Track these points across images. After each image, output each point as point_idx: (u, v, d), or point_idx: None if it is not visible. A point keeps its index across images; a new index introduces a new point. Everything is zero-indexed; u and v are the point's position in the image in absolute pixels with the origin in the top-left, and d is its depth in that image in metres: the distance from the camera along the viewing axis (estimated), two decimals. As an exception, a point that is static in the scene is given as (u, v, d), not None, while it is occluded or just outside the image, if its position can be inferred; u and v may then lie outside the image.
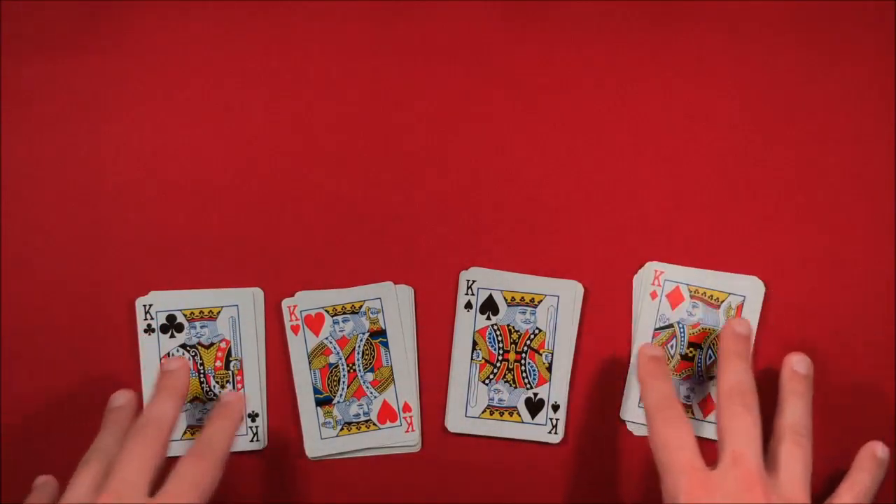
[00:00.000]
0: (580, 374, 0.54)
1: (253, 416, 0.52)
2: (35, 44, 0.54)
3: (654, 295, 0.53)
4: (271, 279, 0.53)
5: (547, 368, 0.53)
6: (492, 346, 0.53)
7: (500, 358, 0.53)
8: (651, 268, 0.54)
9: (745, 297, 0.53)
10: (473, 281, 0.53)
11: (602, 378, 0.54)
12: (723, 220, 0.54)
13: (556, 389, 0.53)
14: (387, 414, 0.53)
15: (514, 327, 0.53)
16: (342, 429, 0.52)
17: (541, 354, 0.53)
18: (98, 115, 0.54)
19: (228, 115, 0.54)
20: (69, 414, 0.53)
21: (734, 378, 0.47)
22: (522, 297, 0.53)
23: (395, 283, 0.53)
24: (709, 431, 0.53)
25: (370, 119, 0.54)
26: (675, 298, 0.53)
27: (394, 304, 0.53)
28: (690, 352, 0.53)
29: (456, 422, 0.53)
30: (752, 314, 0.53)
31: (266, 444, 0.53)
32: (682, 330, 0.53)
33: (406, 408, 0.53)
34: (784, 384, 0.49)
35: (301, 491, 0.53)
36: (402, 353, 0.53)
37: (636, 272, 0.54)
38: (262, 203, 0.54)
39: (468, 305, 0.53)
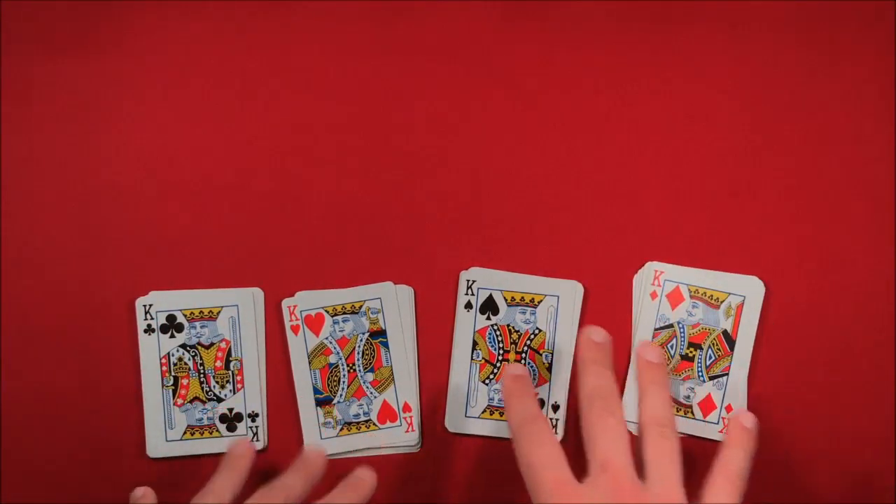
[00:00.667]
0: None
1: (253, 416, 0.52)
2: (35, 44, 0.54)
3: (654, 295, 0.53)
4: (271, 279, 0.53)
5: (547, 368, 0.53)
6: (492, 346, 0.53)
7: (500, 358, 0.53)
8: (651, 268, 0.54)
9: (745, 297, 0.53)
10: (473, 281, 0.53)
11: (602, 378, 0.54)
12: (723, 220, 0.54)
13: (556, 389, 0.53)
14: (387, 414, 0.53)
15: (514, 327, 0.53)
16: (342, 429, 0.52)
17: (541, 354, 0.53)
18: (98, 115, 0.54)
19: (228, 115, 0.54)
20: (69, 413, 0.53)
21: (593, 383, 0.46)
22: (522, 297, 0.53)
23: (395, 283, 0.53)
24: (709, 432, 0.53)
25: (370, 119, 0.54)
26: (675, 298, 0.53)
27: (394, 304, 0.53)
28: (690, 352, 0.53)
29: (456, 422, 0.53)
30: (752, 314, 0.53)
31: (266, 444, 0.53)
32: (682, 330, 0.53)
33: (406, 408, 0.53)
34: (640, 376, 0.48)
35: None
36: (402, 353, 0.53)
37: (636, 272, 0.54)
38: (262, 203, 0.54)
39: (468, 305, 0.53)
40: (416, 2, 0.55)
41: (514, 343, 0.53)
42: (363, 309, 0.53)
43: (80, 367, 0.53)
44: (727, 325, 0.53)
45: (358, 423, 0.53)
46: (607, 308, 0.54)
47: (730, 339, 0.53)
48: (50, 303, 0.53)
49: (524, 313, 0.53)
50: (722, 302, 0.53)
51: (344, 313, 0.53)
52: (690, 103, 0.54)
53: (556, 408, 0.53)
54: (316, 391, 0.53)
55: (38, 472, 0.52)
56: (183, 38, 0.54)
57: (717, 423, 0.53)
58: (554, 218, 0.54)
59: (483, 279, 0.53)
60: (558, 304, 0.53)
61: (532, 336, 0.53)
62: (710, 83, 0.54)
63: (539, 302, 0.53)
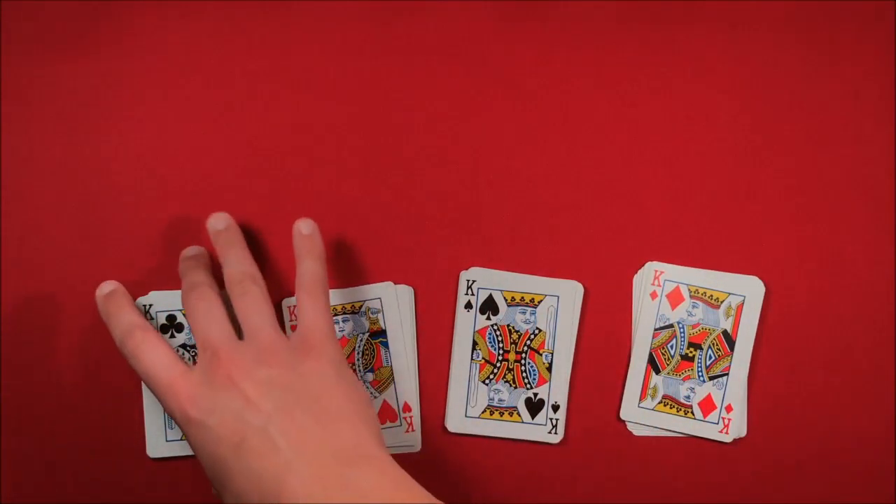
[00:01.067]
0: (580, 374, 0.54)
1: None
2: (35, 44, 0.54)
3: (654, 295, 0.53)
4: (271, 279, 0.53)
5: (547, 368, 0.53)
6: (492, 346, 0.53)
7: (500, 358, 0.53)
8: (651, 268, 0.54)
9: (745, 297, 0.53)
10: (473, 281, 0.53)
11: (602, 378, 0.54)
12: (723, 220, 0.54)
13: (556, 389, 0.53)
14: (387, 414, 0.53)
15: (514, 327, 0.53)
16: None
17: (541, 354, 0.53)
18: (98, 115, 0.54)
19: (228, 115, 0.54)
20: (69, 413, 0.53)
21: (188, 279, 0.49)
22: (522, 297, 0.53)
23: (395, 283, 0.53)
24: (709, 432, 0.53)
25: (370, 119, 0.54)
26: (675, 298, 0.53)
27: (394, 304, 0.53)
28: (690, 352, 0.53)
29: (456, 422, 0.53)
30: (752, 314, 0.53)
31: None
32: (682, 330, 0.53)
33: (406, 408, 0.53)
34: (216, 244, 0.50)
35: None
36: (402, 353, 0.53)
37: (636, 272, 0.54)
38: (261, 203, 0.54)
39: (468, 305, 0.53)
40: (416, 2, 0.55)
41: (514, 343, 0.53)
42: (363, 309, 0.53)
43: (80, 368, 0.53)
44: (727, 325, 0.53)
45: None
46: (607, 308, 0.54)
47: (730, 339, 0.53)
48: (50, 302, 0.53)
49: (524, 313, 0.53)
50: (722, 302, 0.53)
51: (344, 313, 0.53)
52: (690, 103, 0.54)
53: (556, 408, 0.53)
54: None
55: (38, 472, 0.52)
56: (183, 38, 0.54)
57: (717, 423, 0.53)
58: (554, 218, 0.54)
59: (483, 279, 0.53)
60: (558, 304, 0.53)
61: (532, 336, 0.53)
62: (710, 83, 0.54)
63: (539, 302, 0.53)
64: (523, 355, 0.53)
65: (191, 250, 0.52)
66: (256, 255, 0.53)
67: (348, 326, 0.53)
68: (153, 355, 0.46)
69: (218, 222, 0.50)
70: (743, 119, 0.54)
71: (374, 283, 0.53)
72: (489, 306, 0.53)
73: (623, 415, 0.53)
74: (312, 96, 0.54)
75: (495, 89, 0.54)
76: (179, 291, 0.52)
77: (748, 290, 0.53)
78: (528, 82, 0.55)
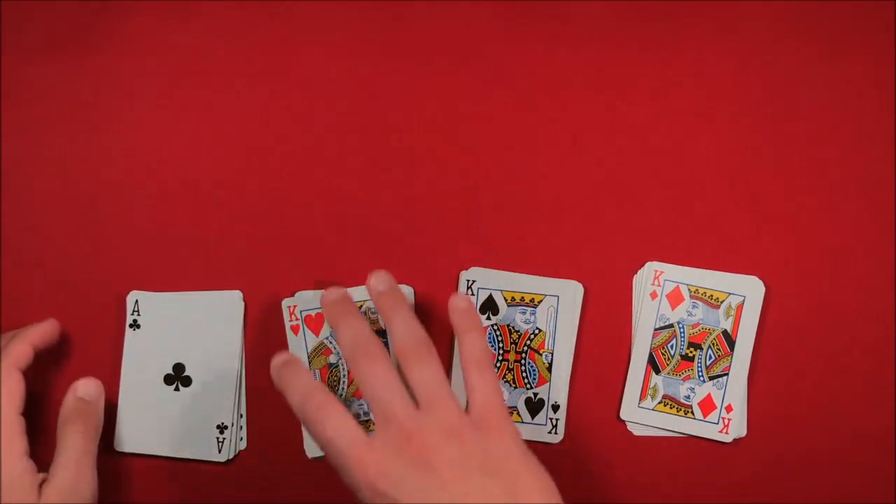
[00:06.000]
0: (580, 374, 0.54)
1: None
2: (35, 44, 0.54)
3: (654, 295, 0.53)
4: (271, 279, 0.53)
5: (547, 368, 0.53)
6: (492, 346, 0.53)
7: (501, 358, 0.53)
8: (651, 268, 0.54)
9: (745, 297, 0.53)
10: (473, 281, 0.53)
11: (602, 378, 0.54)
12: (723, 220, 0.54)
13: (556, 389, 0.53)
14: None
15: (514, 327, 0.53)
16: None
17: (541, 354, 0.53)
18: (98, 115, 0.54)
19: (228, 115, 0.54)
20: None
21: (348, 336, 0.46)
22: (522, 297, 0.53)
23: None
24: (709, 432, 0.53)
25: (370, 119, 0.54)
26: (675, 298, 0.53)
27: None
28: (690, 352, 0.53)
29: (456, 422, 0.53)
30: (752, 314, 0.53)
31: (246, 445, 0.53)
32: (682, 330, 0.53)
33: None
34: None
35: (301, 492, 0.53)
36: None
37: (636, 272, 0.54)
38: (261, 203, 0.54)
39: (468, 305, 0.53)
40: (416, 2, 0.55)
41: (514, 343, 0.53)
42: (363, 309, 0.53)
43: (79, 367, 0.53)
44: (727, 325, 0.53)
45: (358, 422, 0.52)
46: (607, 308, 0.54)
47: (730, 339, 0.53)
48: (50, 302, 0.53)
49: (524, 313, 0.53)
50: (722, 302, 0.53)
51: None
52: (690, 103, 0.54)
53: (556, 408, 0.53)
54: None
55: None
56: (183, 38, 0.54)
57: (717, 423, 0.53)
58: (554, 218, 0.54)
59: (483, 279, 0.53)
60: (558, 304, 0.53)
61: (532, 336, 0.53)
62: (710, 83, 0.54)
63: (539, 302, 0.53)
64: (523, 355, 0.53)
65: (335, 293, 0.49)
66: (257, 256, 0.53)
67: None
68: (336, 422, 0.44)
69: (379, 283, 0.48)
70: (743, 119, 0.54)
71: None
72: (489, 306, 0.53)
73: (623, 415, 0.53)
74: (312, 96, 0.54)
75: (496, 89, 0.54)
76: (169, 294, 0.52)
77: (748, 290, 0.53)
78: (528, 82, 0.55)
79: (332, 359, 0.53)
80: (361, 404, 0.53)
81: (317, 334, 0.53)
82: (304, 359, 0.53)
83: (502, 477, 0.42)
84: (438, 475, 0.42)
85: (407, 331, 0.46)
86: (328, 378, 0.53)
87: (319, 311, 0.53)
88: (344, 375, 0.53)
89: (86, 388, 0.49)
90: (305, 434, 0.52)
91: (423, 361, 0.45)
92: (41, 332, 0.50)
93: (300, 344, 0.53)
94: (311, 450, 0.52)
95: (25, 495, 0.45)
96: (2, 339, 0.50)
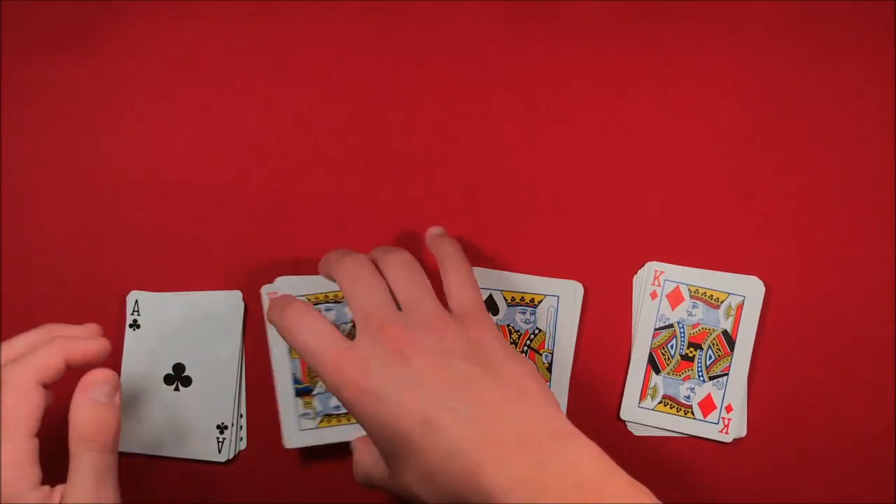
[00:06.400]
0: (580, 374, 0.53)
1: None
2: (35, 44, 0.54)
3: (654, 295, 0.53)
4: (271, 279, 0.53)
5: (547, 368, 0.53)
6: (492, 346, 0.53)
7: (500, 358, 0.53)
8: (651, 268, 0.54)
9: (745, 297, 0.53)
10: (473, 281, 0.53)
11: (602, 378, 0.54)
12: (723, 220, 0.54)
13: (556, 389, 0.53)
14: None
15: (514, 327, 0.53)
16: (321, 420, 0.51)
17: (541, 354, 0.53)
18: (98, 115, 0.54)
19: (227, 115, 0.54)
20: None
21: (336, 255, 0.47)
22: (522, 297, 0.53)
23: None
24: (709, 432, 0.53)
25: (370, 119, 0.54)
26: (675, 298, 0.53)
27: None
28: (690, 352, 0.53)
29: (456, 422, 0.53)
30: (752, 314, 0.53)
31: (245, 445, 0.53)
32: (682, 330, 0.53)
33: None
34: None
35: (301, 492, 0.53)
36: None
37: (636, 272, 0.54)
38: (261, 203, 0.54)
39: (468, 305, 0.53)
40: (416, 2, 0.55)
41: (515, 343, 0.53)
42: (333, 298, 0.52)
43: (79, 367, 0.53)
44: (727, 325, 0.53)
45: (338, 415, 0.52)
46: (607, 308, 0.54)
47: (730, 339, 0.53)
48: (49, 302, 0.53)
49: (524, 313, 0.53)
50: (722, 302, 0.53)
51: (326, 302, 0.52)
52: (690, 103, 0.54)
53: (556, 408, 0.53)
54: (296, 381, 0.51)
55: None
56: (182, 38, 0.54)
57: (717, 423, 0.53)
58: (554, 218, 0.54)
59: (483, 279, 0.53)
60: (558, 304, 0.53)
61: (532, 336, 0.53)
62: (710, 83, 0.54)
63: (539, 302, 0.53)
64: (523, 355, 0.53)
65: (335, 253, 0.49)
66: (256, 256, 0.53)
67: (331, 315, 0.52)
68: (311, 326, 0.44)
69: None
70: (743, 119, 0.54)
71: None
72: (489, 306, 0.53)
73: (623, 415, 0.53)
74: (312, 96, 0.54)
75: (496, 89, 0.54)
76: (169, 294, 0.52)
77: (748, 290, 0.53)
78: (528, 82, 0.55)
79: None
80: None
81: None
82: (285, 347, 0.51)
83: (484, 364, 0.42)
84: (420, 365, 0.41)
85: (391, 250, 0.47)
86: (308, 368, 0.51)
87: (301, 298, 0.51)
88: None
89: (100, 388, 0.41)
90: (284, 425, 0.51)
91: (405, 269, 0.45)
92: (84, 351, 0.42)
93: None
94: (290, 440, 0.51)
95: None
96: (38, 332, 0.43)
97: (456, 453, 0.39)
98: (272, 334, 0.51)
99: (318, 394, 0.51)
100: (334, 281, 0.46)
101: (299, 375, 0.52)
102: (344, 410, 0.51)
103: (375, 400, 0.41)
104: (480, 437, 0.40)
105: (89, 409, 0.40)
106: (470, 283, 0.46)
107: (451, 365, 0.42)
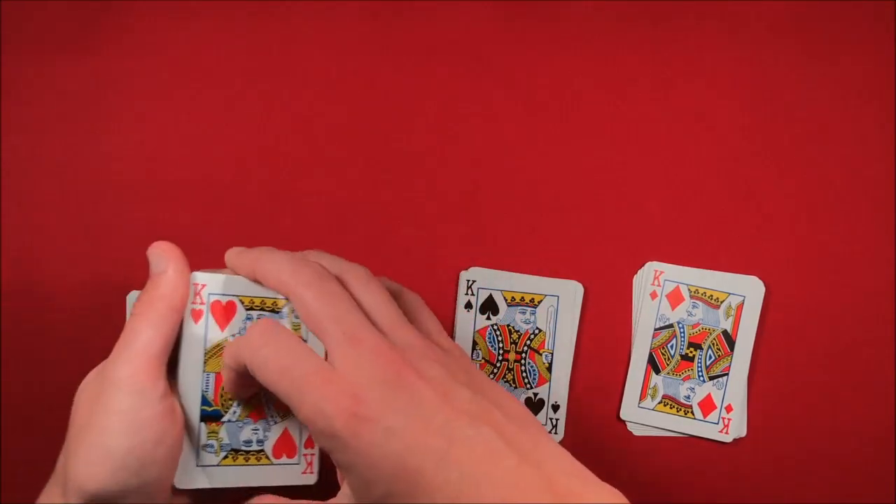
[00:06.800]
0: (580, 374, 0.54)
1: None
2: (35, 44, 0.54)
3: (654, 295, 0.53)
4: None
5: (547, 368, 0.53)
6: (492, 346, 0.53)
7: (500, 358, 0.53)
8: (651, 268, 0.54)
9: (745, 297, 0.53)
10: (473, 281, 0.53)
11: (602, 378, 0.54)
12: (723, 220, 0.54)
13: (556, 389, 0.53)
14: (283, 448, 0.42)
15: (514, 327, 0.53)
16: (226, 457, 0.41)
17: (541, 354, 0.53)
18: (98, 115, 0.54)
19: (228, 114, 0.54)
20: (69, 412, 0.53)
21: (298, 269, 0.39)
22: (522, 297, 0.53)
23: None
24: (709, 432, 0.53)
25: (370, 119, 0.54)
26: (675, 298, 0.53)
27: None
28: (690, 352, 0.53)
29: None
30: (752, 314, 0.53)
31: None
32: (682, 330, 0.53)
33: (309, 442, 0.43)
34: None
35: (300, 492, 0.53)
36: None
37: (636, 272, 0.54)
38: (260, 203, 0.54)
39: (468, 305, 0.53)
40: (416, 2, 0.55)
41: (514, 343, 0.53)
42: (285, 308, 0.41)
43: (79, 367, 0.53)
44: (727, 325, 0.53)
45: (247, 452, 0.41)
46: (607, 308, 0.54)
47: (730, 339, 0.53)
48: (50, 302, 0.53)
49: (524, 313, 0.53)
50: (722, 302, 0.53)
51: (262, 309, 0.41)
52: (690, 103, 0.54)
53: (556, 408, 0.53)
54: (204, 401, 0.40)
55: (38, 467, 0.52)
56: (183, 38, 0.54)
57: (717, 423, 0.53)
58: (554, 218, 0.54)
59: (483, 279, 0.53)
60: (558, 304, 0.53)
61: (532, 336, 0.53)
62: (710, 83, 0.54)
63: (539, 302, 0.53)
64: (523, 355, 0.53)
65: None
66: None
67: None
68: (288, 345, 0.37)
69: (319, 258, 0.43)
70: (743, 119, 0.54)
71: None
72: (489, 306, 0.53)
73: (623, 415, 0.53)
74: (312, 96, 0.54)
75: (496, 89, 0.54)
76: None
77: (748, 290, 0.53)
78: (528, 82, 0.55)
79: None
80: (256, 429, 0.42)
81: (222, 328, 0.41)
82: (200, 356, 0.40)
83: (486, 394, 0.38)
84: (428, 392, 0.36)
85: (347, 264, 0.42)
86: (220, 390, 0.41)
87: (231, 298, 0.41)
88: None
89: (155, 258, 0.40)
90: (182, 463, 0.40)
91: (377, 288, 0.40)
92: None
93: (198, 335, 0.40)
94: (181, 480, 0.40)
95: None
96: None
97: (482, 484, 0.35)
98: (188, 333, 0.40)
99: (229, 422, 0.41)
100: (266, 285, 0.40)
101: (210, 395, 0.41)
102: (256, 448, 0.42)
103: (380, 430, 0.35)
104: (507, 470, 0.36)
105: (148, 282, 0.40)
106: (443, 330, 0.42)
107: (460, 393, 0.37)
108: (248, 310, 0.41)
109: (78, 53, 0.54)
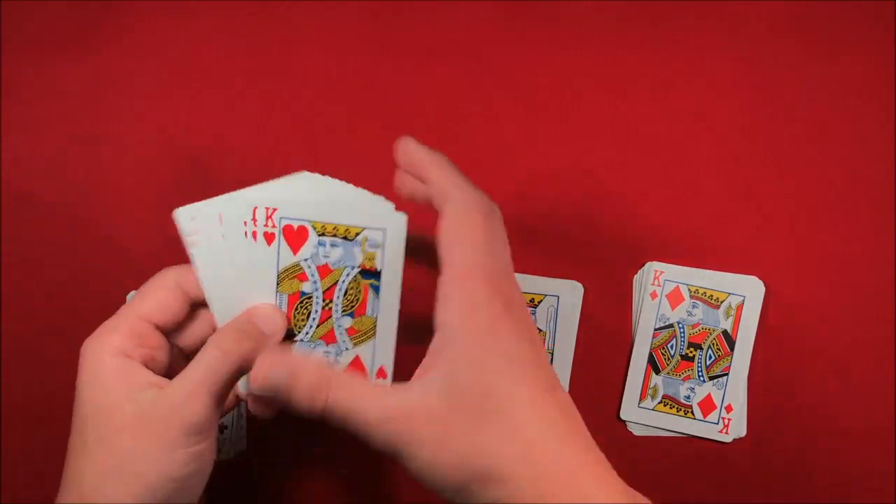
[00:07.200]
0: (580, 374, 0.53)
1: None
2: (35, 44, 0.54)
3: (654, 295, 0.53)
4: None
5: (547, 368, 0.53)
6: (492, 346, 0.53)
7: (500, 358, 0.53)
8: (651, 268, 0.54)
9: (745, 297, 0.53)
10: (473, 281, 0.53)
11: (602, 378, 0.54)
12: (723, 220, 0.54)
13: (556, 389, 0.53)
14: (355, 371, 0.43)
15: (514, 327, 0.53)
16: None
17: (541, 354, 0.53)
18: (98, 115, 0.54)
19: (228, 114, 0.54)
20: (69, 412, 0.53)
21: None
22: (522, 297, 0.53)
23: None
24: (709, 432, 0.53)
25: (370, 119, 0.54)
26: (675, 298, 0.53)
27: (398, 241, 0.42)
28: (690, 352, 0.53)
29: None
30: (752, 314, 0.53)
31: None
32: (682, 330, 0.53)
33: (381, 373, 0.43)
34: None
35: (300, 492, 0.53)
36: (392, 308, 0.42)
37: (636, 272, 0.54)
38: (262, 203, 0.54)
39: (468, 305, 0.53)
40: (416, 2, 0.55)
41: (514, 343, 0.53)
42: (359, 238, 0.42)
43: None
44: (727, 325, 0.53)
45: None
46: (607, 308, 0.54)
47: (730, 339, 0.53)
48: (50, 302, 0.53)
49: (524, 313, 0.53)
50: (722, 302, 0.53)
51: (335, 236, 0.42)
52: (690, 103, 0.54)
53: (556, 408, 0.53)
54: None
55: (38, 468, 0.52)
56: (183, 37, 0.54)
57: (717, 423, 0.53)
58: (554, 218, 0.54)
59: (483, 279, 0.53)
60: (558, 304, 0.53)
61: (532, 336, 0.53)
62: (710, 83, 0.54)
63: (539, 302, 0.53)
64: (523, 355, 0.53)
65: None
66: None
67: (336, 253, 0.42)
68: (351, 387, 0.38)
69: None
70: (743, 119, 0.54)
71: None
72: (489, 306, 0.53)
73: (623, 415, 0.53)
74: (312, 96, 0.54)
75: (496, 89, 0.54)
76: None
77: (748, 290, 0.53)
78: (528, 82, 0.55)
79: (307, 287, 0.42)
80: (328, 352, 0.42)
81: (295, 252, 0.42)
82: (272, 278, 0.42)
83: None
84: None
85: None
86: (296, 308, 0.42)
87: (304, 223, 0.42)
88: (316, 311, 0.42)
89: (268, 320, 0.40)
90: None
91: None
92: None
93: (271, 256, 0.41)
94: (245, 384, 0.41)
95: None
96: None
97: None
98: (258, 252, 0.42)
99: (301, 342, 0.42)
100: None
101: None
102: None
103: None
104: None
105: (243, 321, 0.40)
106: None
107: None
108: (319, 235, 0.42)
109: (78, 53, 0.54)
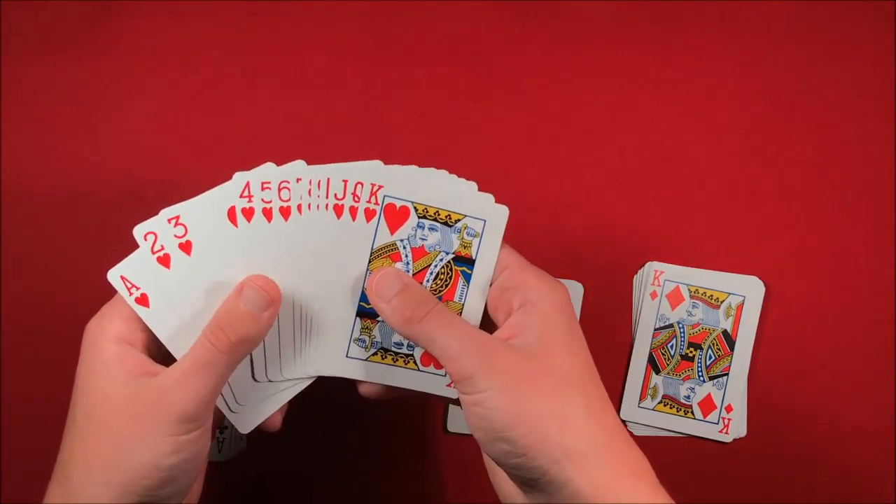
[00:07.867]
0: (580, 374, 0.53)
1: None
2: (35, 44, 0.54)
3: (654, 295, 0.53)
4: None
5: (547, 368, 0.53)
6: (492, 346, 0.53)
7: (500, 358, 0.53)
8: (651, 268, 0.54)
9: (745, 297, 0.53)
10: (473, 281, 0.53)
11: (602, 378, 0.54)
12: (723, 220, 0.54)
13: (557, 389, 0.53)
14: (431, 358, 0.44)
15: (514, 327, 0.53)
16: (375, 353, 0.43)
17: (541, 354, 0.53)
18: (98, 115, 0.54)
19: (228, 114, 0.54)
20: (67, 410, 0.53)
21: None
22: (522, 297, 0.53)
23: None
24: (709, 432, 0.53)
25: (369, 119, 0.54)
26: (675, 298, 0.53)
27: (497, 233, 0.43)
28: (690, 352, 0.53)
29: (456, 422, 0.53)
30: (752, 314, 0.53)
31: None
32: (682, 330, 0.53)
33: None
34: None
35: (301, 492, 0.53)
36: (479, 296, 0.43)
37: (636, 272, 0.54)
38: (262, 203, 0.54)
39: (468, 305, 0.53)
40: (416, 2, 0.55)
41: (514, 343, 0.53)
42: (459, 224, 0.43)
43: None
44: (727, 325, 0.53)
45: (396, 353, 0.43)
46: (607, 308, 0.54)
47: (730, 339, 0.53)
48: (50, 302, 0.53)
49: (524, 313, 0.53)
50: (722, 302, 0.53)
51: (435, 219, 0.43)
52: (690, 103, 0.54)
53: (556, 408, 0.53)
54: (363, 297, 0.43)
55: (38, 472, 0.52)
56: (182, 38, 0.54)
57: (717, 423, 0.53)
58: (554, 218, 0.54)
59: (483, 279, 0.53)
60: (558, 304, 0.53)
61: (532, 336, 0.53)
62: (710, 83, 0.54)
63: (539, 302, 0.53)
64: (523, 355, 0.53)
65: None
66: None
67: (433, 237, 0.43)
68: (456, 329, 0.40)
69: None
70: (743, 119, 0.54)
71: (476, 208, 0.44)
72: (489, 306, 0.53)
73: (623, 415, 0.53)
74: (313, 96, 0.54)
75: (496, 90, 0.54)
76: None
77: (748, 290, 0.53)
78: (528, 82, 0.55)
79: (398, 267, 0.43)
80: None
81: (392, 231, 0.43)
82: (366, 254, 0.42)
83: None
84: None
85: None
86: None
87: (406, 204, 0.43)
88: None
89: (250, 293, 0.40)
90: (329, 345, 0.43)
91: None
92: None
93: (367, 233, 0.42)
94: (327, 366, 0.43)
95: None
96: None
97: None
98: (356, 229, 0.42)
99: (383, 322, 0.43)
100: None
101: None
102: (406, 351, 0.44)
103: None
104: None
105: (232, 305, 0.40)
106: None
107: None
108: (420, 217, 0.43)
109: (78, 53, 0.54)
